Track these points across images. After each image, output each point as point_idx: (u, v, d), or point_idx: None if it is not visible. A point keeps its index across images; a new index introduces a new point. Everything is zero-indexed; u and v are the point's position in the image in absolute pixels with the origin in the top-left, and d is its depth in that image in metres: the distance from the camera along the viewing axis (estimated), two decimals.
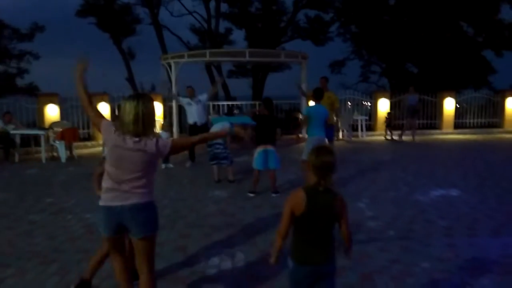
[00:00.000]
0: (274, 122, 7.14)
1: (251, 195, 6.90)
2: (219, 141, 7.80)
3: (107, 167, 2.86)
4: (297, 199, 2.47)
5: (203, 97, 10.08)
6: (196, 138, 3.11)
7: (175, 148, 2.97)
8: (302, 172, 6.98)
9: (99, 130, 2.94)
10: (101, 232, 2.95)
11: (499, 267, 4.13)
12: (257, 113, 7.24)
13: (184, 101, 10.10)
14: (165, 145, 2.88)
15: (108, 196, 2.83)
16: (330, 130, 9.00)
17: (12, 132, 10.63)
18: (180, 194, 7.19)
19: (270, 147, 6.89)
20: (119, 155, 2.80)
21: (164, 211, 6.13)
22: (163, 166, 9.54)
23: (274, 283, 3.77)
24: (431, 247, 4.69)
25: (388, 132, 15.11)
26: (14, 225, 5.49)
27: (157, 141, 2.84)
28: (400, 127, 14.89)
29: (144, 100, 2.83)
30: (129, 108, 2.78)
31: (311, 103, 8.74)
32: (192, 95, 9.97)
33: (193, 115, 9.94)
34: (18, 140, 10.83)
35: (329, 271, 2.56)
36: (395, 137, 14.69)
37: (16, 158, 10.49)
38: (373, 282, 3.80)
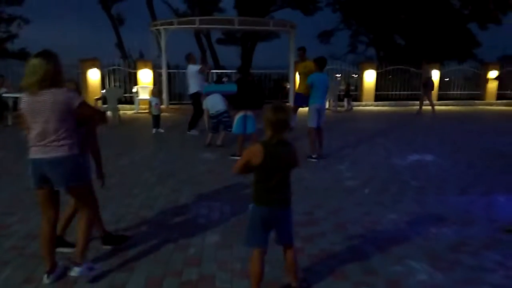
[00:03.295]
0: (255, 88, 7.47)
1: (237, 158, 7.27)
2: (225, 109, 8.08)
3: (29, 124, 3.02)
4: (255, 151, 2.79)
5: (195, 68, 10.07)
6: (100, 113, 3.33)
7: (84, 108, 3.07)
8: (309, 138, 7.28)
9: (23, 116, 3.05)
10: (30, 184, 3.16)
11: (461, 219, 4.59)
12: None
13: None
14: (74, 97, 3.02)
15: (33, 149, 3.05)
16: (307, 98, 9.22)
17: (4, 95, 10.79)
18: (170, 156, 7.55)
19: (249, 113, 7.25)
20: (32, 111, 2.97)
21: (156, 170, 6.53)
22: (153, 131, 9.86)
23: None
24: (401, 203, 5.15)
25: (345, 103, 15.46)
26: (16, 181, 5.81)
27: (66, 91, 3.02)
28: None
29: (49, 57, 2.98)
30: (36, 65, 2.91)
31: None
32: (193, 62, 9.94)
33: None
34: (10, 103, 10.99)
35: (285, 215, 2.93)
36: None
37: (10, 121, 10.70)
38: (345, 230, 4.24)
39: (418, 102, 14.57)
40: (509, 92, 18.28)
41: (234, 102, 7.67)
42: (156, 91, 10.88)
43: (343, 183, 5.95)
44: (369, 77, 16.64)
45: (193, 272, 3.36)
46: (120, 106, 12.46)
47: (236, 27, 14.66)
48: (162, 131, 9.93)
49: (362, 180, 6.09)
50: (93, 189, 3.50)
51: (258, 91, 7.47)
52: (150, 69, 14.79)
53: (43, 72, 2.92)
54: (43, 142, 2.98)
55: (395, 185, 5.91)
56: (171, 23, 14.35)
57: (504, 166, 7.05)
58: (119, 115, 11.58)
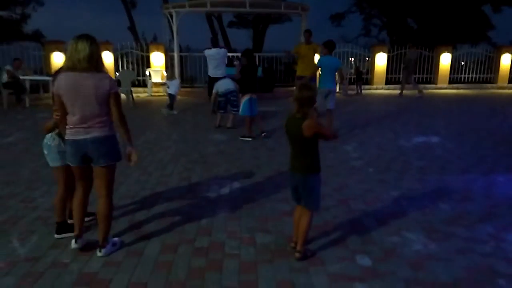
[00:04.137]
0: (257, 72, 7.80)
1: (248, 139, 7.51)
2: (234, 88, 8.34)
3: (68, 107, 3.14)
4: (285, 121, 3.31)
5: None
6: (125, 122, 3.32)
7: (115, 99, 3.19)
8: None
9: (58, 98, 3.15)
10: (69, 163, 3.33)
11: (459, 196, 4.81)
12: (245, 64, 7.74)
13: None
14: (114, 85, 3.21)
15: (72, 131, 3.17)
16: (313, 80, 9.32)
17: (21, 78, 11.11)
18: (183, 136, 7.82)
19: (254, 96, 7.60)
20: (73, 92, 3.07)
21: (169, 150, 6.82)
22: (164, 112, 10.14)
23: (266, 204, 4.46)
24: (403, 181, 5.37)
25: (356, 87, 15.45)
26: (36, 159, 6.12)
27: (110, 77, 3.20)
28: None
29: (93, 40, 3.11)
30: (81, 47, 3.05)
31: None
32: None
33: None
34: (27, 86, 11.31)
35: (303, 180, 3.24)
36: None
37: (27, 103, 11.05)
38: (348, 205, 4.49)
39: (417, 86, 14.79)
40: None
41: (240, 86, 7.94)
42: (170, 75, 11.14)
43: (349, 162, 6.17)
44: (380, 60, 16.64)
45: (205, 240, 3.65)
46: (133, 89, 12.72)
47: (248, 9, 14.73)
48: (175, 113, 10.20)
49: (367, 160, 6.31)
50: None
51: (265, 75, 7.73)
52: (163, 52, 15.00)
53: (89, 52, 3.06)
54: (85, 124, 3.14)
55: (399, 165, 6.12)
56: (182, 6, 14.48)
57: (508, 149, 7.19)
58: (133, 98, 11.85)
